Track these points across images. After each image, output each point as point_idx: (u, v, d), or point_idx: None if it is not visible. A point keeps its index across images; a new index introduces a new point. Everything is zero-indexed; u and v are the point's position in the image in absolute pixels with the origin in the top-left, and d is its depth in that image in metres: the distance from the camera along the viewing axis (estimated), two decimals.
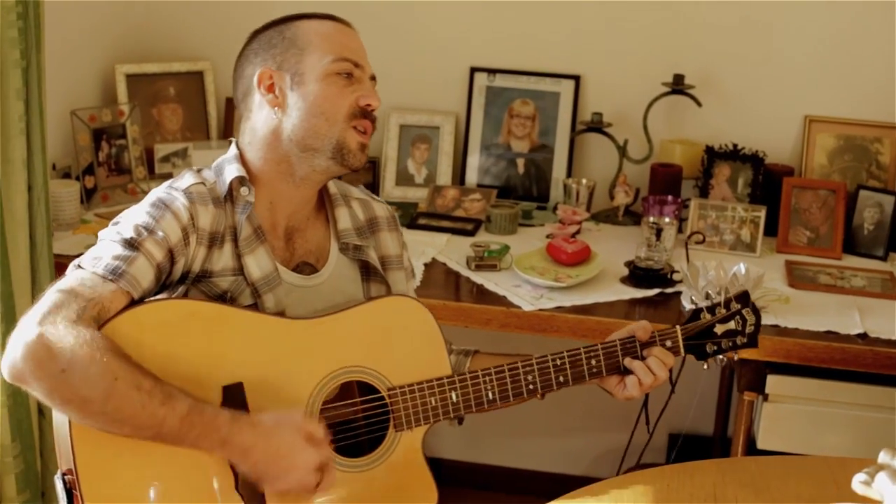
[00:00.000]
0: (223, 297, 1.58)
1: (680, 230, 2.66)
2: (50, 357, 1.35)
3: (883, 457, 1.33)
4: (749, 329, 1.77)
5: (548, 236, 2.61)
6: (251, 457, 1.42)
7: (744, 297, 1.78)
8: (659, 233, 2.43)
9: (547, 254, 2.47)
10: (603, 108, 2.86)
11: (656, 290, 2.36)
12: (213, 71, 3.02)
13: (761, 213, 2.65)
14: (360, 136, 1.62)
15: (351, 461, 1.58)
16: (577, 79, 2.91)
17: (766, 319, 2.17)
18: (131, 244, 1.49)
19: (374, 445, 1.61)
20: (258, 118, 1.63)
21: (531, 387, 1.67)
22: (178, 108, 2.99)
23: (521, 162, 2.94)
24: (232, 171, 1.61)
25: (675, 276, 2.39)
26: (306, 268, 1.68)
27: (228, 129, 3.01)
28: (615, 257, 2.50)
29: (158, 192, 1.58)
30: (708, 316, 1.75)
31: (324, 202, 1.74)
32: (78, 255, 2.33)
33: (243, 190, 1.60)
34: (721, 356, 1.76)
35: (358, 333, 1.60)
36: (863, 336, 2.18)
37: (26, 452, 2.28)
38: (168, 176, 2.87)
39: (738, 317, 1.76)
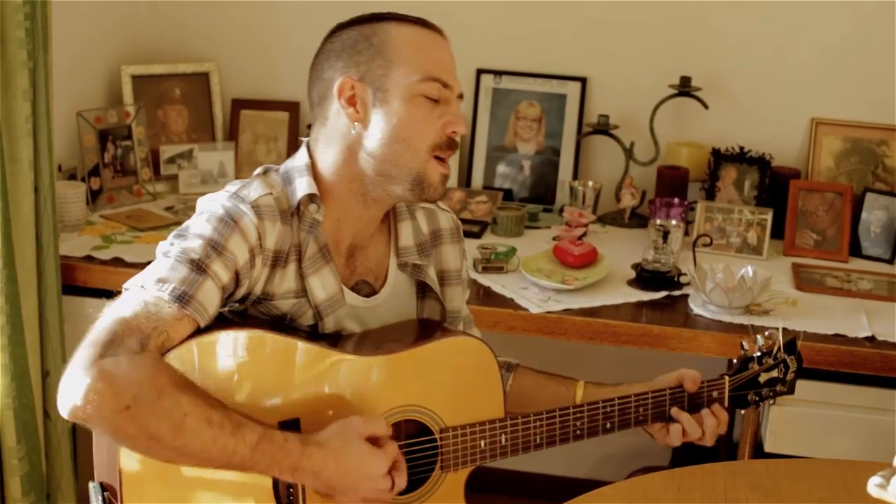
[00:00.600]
0: (282, 319, 1.54)
1: (686, 233, 2.66)
2: (114, 394, 1.28)
3: None
4: (790, 376, 1.76)
5: (554, 238, 2.61)
6: (322, 476, 1.40)
7: (791, 345, 1.77)
8: (666, 235, 2.42)
9: (553, 256, 2.47)
10: (609, 111, 2.85)
11: (663, 293, 2.36)
12: (219, 72, 3.02)
13: (768, 216, 2.64)
14: (442, 168, 1.53)
15: (395, 499, 1.56)
16: (583, 81, 2.90)
17: (774, 322, 2.17)
18: (199, 266, 1.41)
19: (416, 483, 1.58)
20: (334, 128, 1.53)
21: (578, 432, 1.66)
22: (184, 110, 2.98)
23: (527, 164, 2.94)
24: (303, 185, 1.52)
25: (683, 279, 2.39)
26: (364, 286, 1.62)
27: (234, 131, 3.00)
28: (622, 260, 2.49)
29: (223, 200, 1.49)
30: (756, 366, 1.74)
31: (387, 214, 1.65)
32: (85, 257, 2.40)
33: (312, 207, 1.52)
34: (759, 403, 1.76)
35: (418, 373, 1.56)
36: (871, 339, 2.17)
37: (32, 454, 2.27)
38: (173, 178, 2.87)
39: (781, 364, 1.75)
